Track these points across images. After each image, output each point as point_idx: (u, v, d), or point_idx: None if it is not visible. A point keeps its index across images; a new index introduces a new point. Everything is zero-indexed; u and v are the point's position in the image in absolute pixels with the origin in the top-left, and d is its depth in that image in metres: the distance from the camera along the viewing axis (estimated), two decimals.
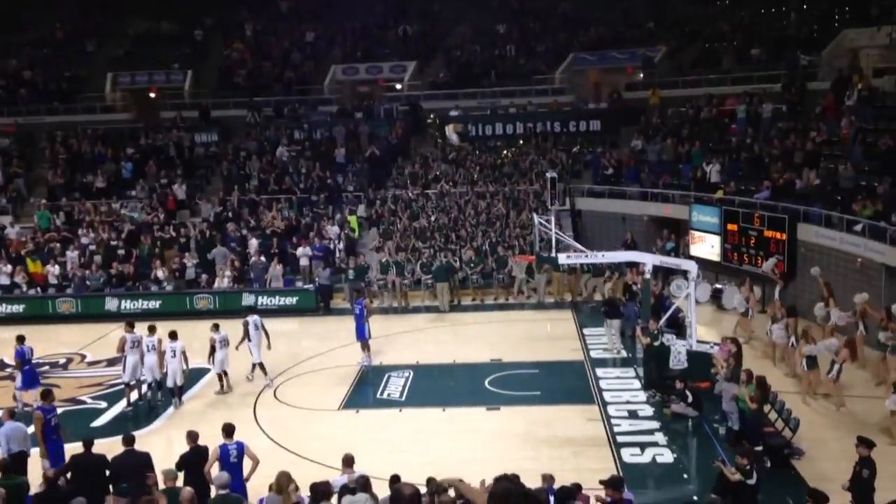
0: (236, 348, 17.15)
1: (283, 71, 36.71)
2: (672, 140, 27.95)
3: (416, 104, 34.06)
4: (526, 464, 11.64)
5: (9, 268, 24.75)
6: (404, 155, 31.65)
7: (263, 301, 23.44)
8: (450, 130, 32.08)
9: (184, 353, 15.95)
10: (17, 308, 23.75)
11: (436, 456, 12.67)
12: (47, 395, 12.44)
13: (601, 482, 9.06)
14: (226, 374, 16.98)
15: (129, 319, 17.40)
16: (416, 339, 20.77)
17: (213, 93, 35.44)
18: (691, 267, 16.50)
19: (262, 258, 24.64)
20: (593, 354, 18.42)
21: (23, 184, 30.50)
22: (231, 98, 34.76)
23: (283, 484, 8.60)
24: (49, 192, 29.82)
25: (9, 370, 18.57)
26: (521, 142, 31.50)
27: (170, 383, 16.06)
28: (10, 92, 35.61)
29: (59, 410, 12.83)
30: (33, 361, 16.42)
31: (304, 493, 8.83)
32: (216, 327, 16.89)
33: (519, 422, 14.47)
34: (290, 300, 23.66)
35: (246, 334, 17.30)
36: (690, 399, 14.26)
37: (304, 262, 25.02)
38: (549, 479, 9.40)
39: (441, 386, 17.00)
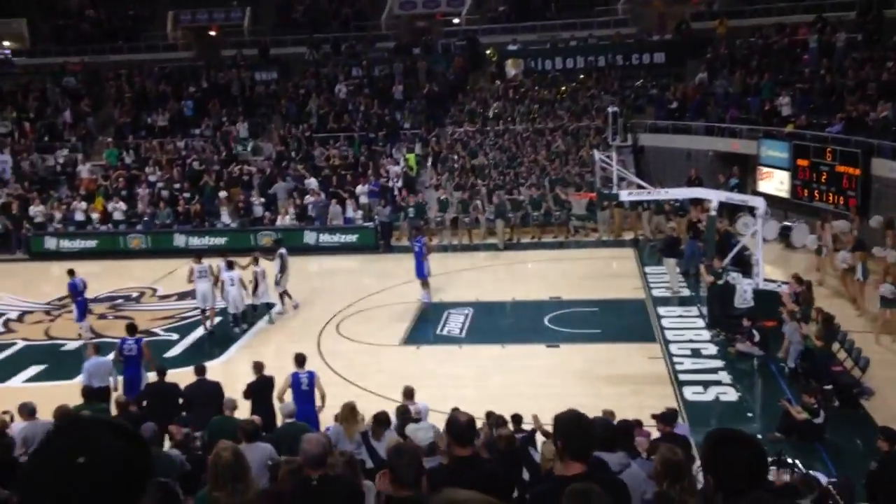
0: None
1: (340, 7, 36.39)
2: (740, 72, 26.96)
3: (475, 39, 33.48)
4: (585, 400, 11.61)
5: (83, 204, 25.50)
6: (462, 91, 31.29)
7: (324, 238, 23.76)
8: (509, 65, 31.53)
9: (241, 281, 16.55)
10: (91, 243, 24.54)
11: (495, 392, 12.81)
12: (131, 328, 12.96)
13: (653, 416, 9.06)
14: (286, 294, 17.71)
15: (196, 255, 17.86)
16: (475, 276, 20.84)
17: (271, 30, 35.38)
18: (759, 203, 16.08)
19: (322, 196, 24.87)
20: (655, 293, 18.24)
21: (92, 122, 31.16)
22: (290, 35, 34.66)
23: (347, 414, 8.82)
24: (116, 130, 30.46)
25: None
26: (582, 76, 30.80)
27: (231, 310, 16.63)
28: (75, 30, 36.10)
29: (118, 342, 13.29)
30: (109, 294, 17.09)
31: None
32: (256, 261, 17.25)
33: (578, 359, 14.51)
34: (351, 238, 23.91)
35: (284, 265, 17.54)
36: (756, 338, 14.06)
37: (363, 199, 25.18)
38: (608, 415, 9.42)
39: (500, 323, 17.11)
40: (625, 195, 17.54)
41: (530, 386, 13.14)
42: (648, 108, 28.40)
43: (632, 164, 25.31)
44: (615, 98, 27.98)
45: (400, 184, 25.78)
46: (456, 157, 27.03)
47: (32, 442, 8.62)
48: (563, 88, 30.15)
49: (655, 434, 8.99)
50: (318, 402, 10.79)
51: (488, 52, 32.43)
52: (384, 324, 17.17)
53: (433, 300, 18.35)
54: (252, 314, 17.39)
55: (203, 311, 17.01)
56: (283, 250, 17.86)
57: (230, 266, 16.63)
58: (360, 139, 28.27)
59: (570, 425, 3.64)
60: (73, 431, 1.43)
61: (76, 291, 16.61)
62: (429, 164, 27.26)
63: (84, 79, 33.17)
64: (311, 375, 10.80)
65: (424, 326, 17.13)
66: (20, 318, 18.58)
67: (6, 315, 18.77)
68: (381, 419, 8.63)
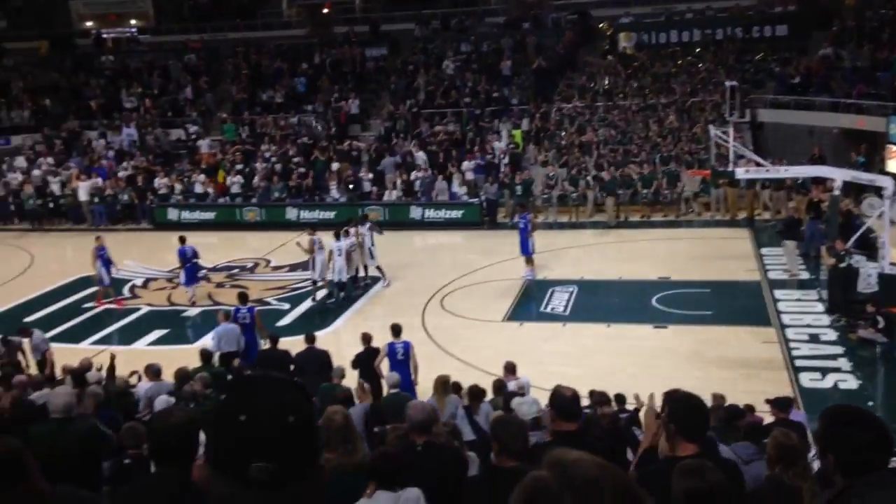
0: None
1: None
2: (869, 46, 25.36)
3: (586, 12, 32.82)
4: (694, 383, 11.31)
5: (202, 177, 26.60)
6: (572, 66, 30.74)
7: (429, 214, 23.95)
8: (621, 39, 30.75)
9: (349, 252, 16.95)
10: (209, 215, 25.60)
11: (599, 371, 12.61)
12: (243, 296, 13.51)
13: (767, 401, 8.71)
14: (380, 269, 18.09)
15: (311, 227, 18.35)
16: (581, 254, 20.57)
17: (382, 7, 35.75)
18: (887, 184, 15.10)
19: (429, 172, 25.04)
20: (771, 275, 17.49)
21: (210, 98, 32.38)
22: (400, 12, 34.92)
23: (438, 387, 8.91)
24: (233, 106, 31.55)
25: (203, 272, 20.25)
26: (698, 50, 29.71)
27: (336, 278, 17.05)
28: (197, 9, 37.52)
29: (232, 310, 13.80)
30: (226, 264, 17.82)
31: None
32: (346, 233, 17.53)
33: (688, 341, 14.12)
34: (456, 214, 24.01)
35: (361, 244, 17.80)
36: (881, 324, 13.29)
37: (469, 175, 25.20)
38: (719, 398, 9.14)
39: (606, 302, 16.83)
40: (741, 173, 16.86)
41: (636, 367, 12.89)
42: (768, 83, 27.14)
43: (749, 140, 24.29)
44: (736, 73, 26.86)
45: (506, 160, 25.66)
46: (564, 133, 26.65)
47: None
48: (679, 62, 29.18)
49: (769, 420, 8.65)
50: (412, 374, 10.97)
51: (601, 25, 31.68)
52: (488, 300, 17.18)
53: (537, 277, 18.23)
54: (353, 286, 17.78)
55: (315, 282, 17.48)
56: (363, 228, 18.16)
57: (338, 236, 17.07)
58: (467, 115, 28.26)
59: (684, 405, 3.53)
60: (278, 392, 1.47)
61: (185, 258, 17.52)
62: (536, 140, 26.99)
63: (204, 56, 34.42)
64: (407, 346, 11.01)
65: (528, 303, 17.05)
66: (145, 285, 19.60)
67: (132, 281, 19.82)
68: (475, 392, 8.67)
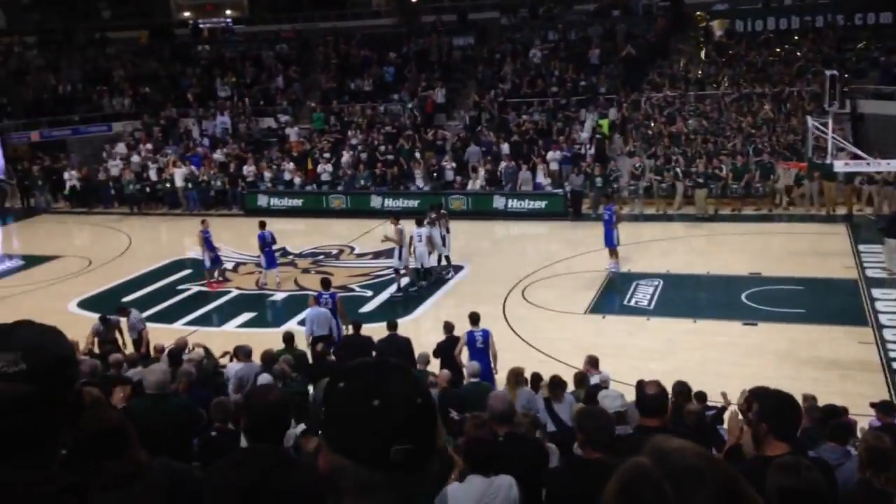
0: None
1: None
2: None
3: None
4: (785, 383, 10.87)
5: (290, 165, 27.21)
6: (663, 54, 30.04)
7: (513, 204, 23.86)
8: (715, 26, 29.85)
9: (429, 238, 17.16)
10: (297, 202, 26.17)
11: (684, 367, 12.31)
12: (326, 282, 13.79)
13: (871, 405, 8.36)
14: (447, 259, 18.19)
15: (396, 215, 18.53)
16: (667, 247, 20.15)
17: None
18: None
19: (513, 162, 24.93)
20: (870, 273, 16.74)
21: (300, 88, 33.04)
22: (487, 0, 34.79)
23: (510, 379, 8.90)
24: (322, 95, 32.11)
25: (290, 257, 20.78)
26: (797, 37, 28.57)
27: (417, 265, 17.27)
28: (289, 0, 38.27)
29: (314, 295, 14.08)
30: (312, 250, 18.20)
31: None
32: (428, 221, 17.66)
33: (778, 339, 13.66)
34: (540, 204, 23.85)
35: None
36: None
37: (554, 166, 24.98)
38: (810, 399, 8.81)
39: (693, 297, 16.45)
40: (840, 166, 16.17)
41: (723, 364, 12.55)
42: (871, 73, 25.89)
43: (850, 133, 23.25)
44: (836, 62, 25.73)
45: (592, 150, 25.32)
46: (652, 123, 26.10)
47: (247, 382, 9.39)
48: (776, 51, 28.15)
49: (865, 423, 8.31)
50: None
51: (697, 15, 30.77)
52: (570, 291, 17.02)
53: (621, 270, 17.95)
54: (434, 274, 17.95)
55: (397, 270, 17.69)
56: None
57: (419, 223, 17.21)
58: (553, 104, 27.99)
59: (776, 403, 3.42)
60: (402, 375, 1.49)
61: (264, 242, 18.03)
62: (623, 130, 26.53)
63: (295, 46, 35.11)
64: (486, 334, 11.04)
65: (611, 296, 16.81)
66: (235, 269, 20.19)
67: (223, 265, 20.45)
68: (556, 382, 8.63)
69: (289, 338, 11.35)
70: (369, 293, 17.71)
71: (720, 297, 16.13)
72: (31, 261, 21.94)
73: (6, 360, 1.50)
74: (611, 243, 17.84)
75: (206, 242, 18.28)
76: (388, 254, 19.04)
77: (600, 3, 33.59)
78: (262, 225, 18.31)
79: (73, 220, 27.11)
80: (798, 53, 27.51)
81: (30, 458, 1.54)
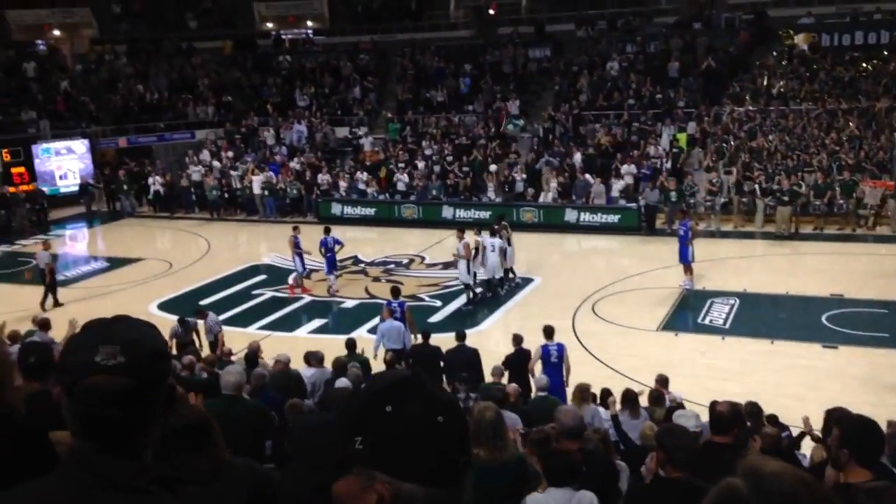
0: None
1: None
2: None
3: (763, 12, 31.22)
4: (866, 409, 10.48)
5: (364, 175, 27.59)
6: (744, 68, 29.39)
7: (585, 217, 23.64)
8: (800, 41, 29.06)
9: (503, 249, 17.22)
10: (370, 211, 26.49)
11: (760, 389, 11.95)
12: (395, 291, 13.93)
13: None
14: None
15: (461, 227, 18.59)
16: (744, 265, 19.65)
17: (548, 7, 35.60)
18: None
19: (586, 175, 24.72)
20: None
21: (375, 98, 33.50)
22: (566, 13, 34.67)
23: (576, 395, 8.80)
24: (398, 105, 32.48)
25: (361, 265, 21.05)
26: (886, 52, 27.56)
27: (487, 275, 17.32)
28: (368, 11, 38.85)
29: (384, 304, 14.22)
30: (383, 259, 18.39)
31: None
32: (492, 232, 17.72)
33: (860, 364, 13.15)
34: (613, 218, 23.56)
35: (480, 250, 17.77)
36: None
37: (628, 179, 24.67)
38: (895, 425, 8.44)
39: (770, 317, 15.97)
40: None
41: (801, 387, 12.15)
42: None
43: None
44: None
45: (668, 164, 24.90)
46: (732, 137, 25.53)
47: (318, 387, 9.56)
48: (864, 66, 27.22)
49: None
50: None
51: (781, 32, 29.92)
52: (642, 307, 16.75)
53: (696, 287, 17.58)
54: (504, 285, 17.96)
55: (466, 284, 17.71)
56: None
57: (492, 233, 17.22)
58: (629, 117, 27.68)
59: (858, 428, 3.30)
60: (438, 388, 1.46)
61: (326, 248, 18.46)
62: (701, 144, 26.03)
63: (373, 57, 35.64)
64: (561, 348, 10.94)
65: (684, 313, 16.48)
66: (308, 276, 20.52)
67: (296, 272, 20.82)
68: (629, 397, 8.50)
69: (351, 344, 11.50)
70: (438, 303, 17.78)
71: (799, 318, 15.63)
72: (115, 262, 22.79)
73: (106, 352, 1.56)
74: (685, 259, 17.50)
75: (297, 248, 18.71)
76: (457, 265, 19.10)
77: (681, 15, 33.10)
78: (327, 230, 18.86)
79: (156, 224, 28.06)
80: (888, 69, 26.53)
81: (125, 448, 1.60)
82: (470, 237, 17.33)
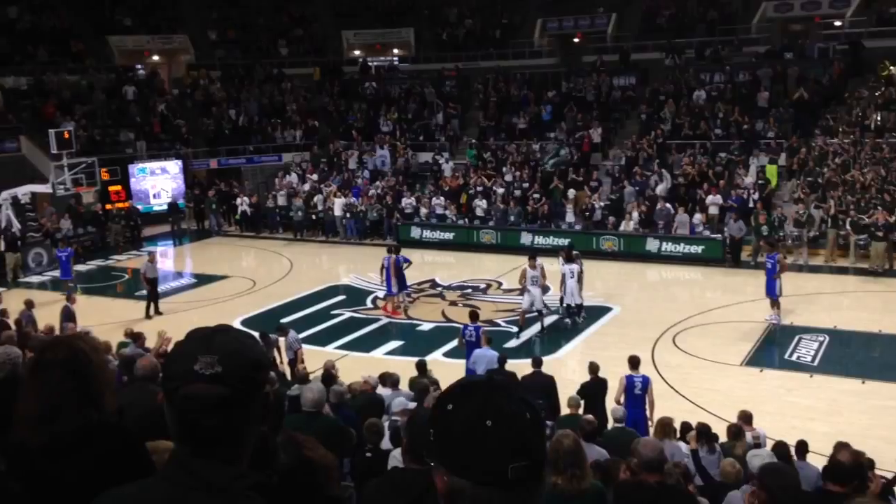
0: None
1: (707, 11, 35.22)
2: None
3: (858, 42, 30.23)
4: None
5: (443, 200, 27.82)
6: (837, 99, 28.48)
7: (667, 247, 23.22)
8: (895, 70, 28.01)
9: (579, 275, 17.12)
10: (448, 235, 26.64)
11: (849, 429, 11.44)
12: (473, 315, 13.99)
13: None
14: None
15: (533, 254, 18.48)
16: (835, 301, 18.93)
17: (634, 36, 35.34)
18: None
19: (669, 204, 24.30)
20: None
21: (457, 124, 33.81)
22: (652, 41, 34.35)
23: (657, 430, 8.60)
24: (479, 132, 32.70)
25: (439, 289, 21.17)
26: None
27: (568, 301, 17.25)
28: (453, 39, 39.30)
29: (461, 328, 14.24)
30: (460, 283, 18.45)
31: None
32: (569, 258, 17.66)
33: None
34: (696, 249, 23.05)
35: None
36: None
37: (713, 210, 24.12)
38: None
39: (862, 355, 15.33)
40: None
41: (893, 430, 11.59)
42: None
43: None
44: None
45: (755, 196, 24.25)
46: (825, 170, 24.70)
47: (391, 409, 9.61)
48: None
49: None
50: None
51: (881, 67, 28.70)
52: (725, 341, 16.29)
53: (783, 322, 17.00)
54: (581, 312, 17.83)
55: (539, 311, 17.58)
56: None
57: (569, 259, 17.22)
58: (715, 147, 27.13)
59: None
60: (504, 391, 1.53)
61: (397, 267, 18.86)
62: (790, 176, 25.28)
63: (457, 83, 36.02)
64: (646, 380, 10.74)
65: (770, 349, 15.96)
66: (385, 297, 20.75)
67: (375, 293, 21.11)
68: (704, 431, 8.26)
69: (422, 365, 11.55)
70: (514, 329, 17.69)
71: (893, 358, 14.93)
72: (202, 279, 23.55)
73: (204, 362, 1.62)
74: (772, 293, 16.98)
75: (396, 268, 19.03)
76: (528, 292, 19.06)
77: (772, 45, 32.38)
78: (397, 250, 19.22)
79: (242, 243, 28.88)
80: None
81: (222, 454, 1.66)
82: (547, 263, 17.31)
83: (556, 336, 17.17)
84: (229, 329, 1.74)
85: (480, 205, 27.15)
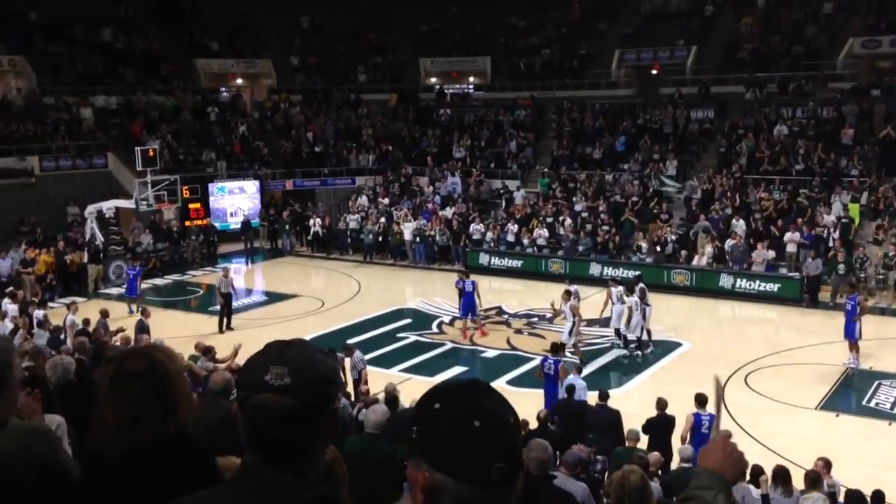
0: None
1: (791, 45, 34.47)
2: None
3: None
4: None
5: (514, 227, 27.77)
6: None
7: (741, 284, 22.62)
8: None
9: (643, 307, 17.07)
10: (517, 263, 26.53)
11: None
12: (556, 347, 13.97)
13: None
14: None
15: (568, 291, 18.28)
16: None
17: (714, 69, 34.81)
18: None
19: (745, 240, 23.71)
20: None
21: (531, 153, 33.80)
22: (732, 74, 33.76)
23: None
24: (552, 161, 32.61)
25: (505, 317, 21.08)
26: None
27: (634, 335, 17.16)
28: (529, 68, 39.42)
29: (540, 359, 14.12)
30: (527, 312, 18.37)
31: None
32: (631, 290, 17.61)
33: None
34: (772, 287, 22.39)
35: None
36: None
37: (790, 248, 23.43)
38: None
39: None
40: None
41: None
42: None
43: None
44: None
45: (836, 235, 23.46)
46: None
47: None
48: None
49: None
50: None
51: None
52: (800, 383, 15.73)
53: (862, 366, 16.32)
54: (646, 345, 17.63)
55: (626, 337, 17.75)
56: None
57: (630, 291, 17.29)
58: (795, 184, 26.40)
59: None
60: (492, 395, 1.58)
61: (464, 292, 19.27)
62: (874, 216, 24.38)
63: (531, 112, 36.08)
64: (713, 419, 10.39)
65: (848, 393, 15.36)
66: (451, 323, 20.79)
67: (440, 318, 21.16)
68: (781, 474, 7.97)
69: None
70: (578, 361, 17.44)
71: None
72: (272, 297, 24.02)
73: (275, 373, 1.66)
74: (851, 336, 16.35)
75: (466, 293, 19.39)
76: (604, 322, 18.84)
77: (858, 81, 31.46)
78: (466, 274, 19.40)
79: (313, 263, 29.37)
80: None
81: (290, 465, 1.70)
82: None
83: (624, 369, 16.87)
84: (303, 343, 1.78)
85: (542, 233, 26.98)
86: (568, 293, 17.50)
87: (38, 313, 16.72)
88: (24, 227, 27.81)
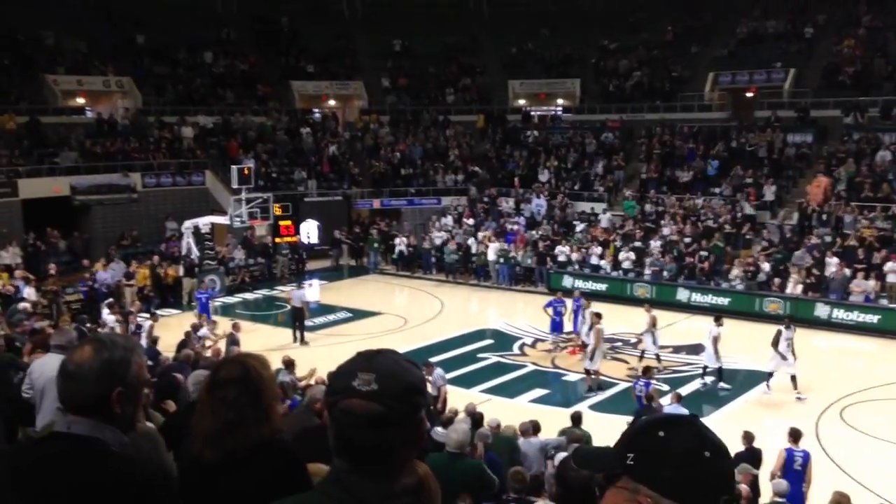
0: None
1: (895, 69, 33.06)
2: None
3: None
4: None
5: (599, 250, 27.44)
6: None
7: (838, 314, 21.72)
8: None
9: (716, 338, 16.60)
10: (601, 286, 26.14)
11: None
12: (647, 370, 14.29)
13: None
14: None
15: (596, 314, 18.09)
16: None
17: (813, 92, 33.68)
18: None
19: (844, 269, 22.74)
20: None
21: (621, 175, 33.38)
22: (832, 98, 32.58)
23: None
24: (640, 183, 32.12)
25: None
26: None
27: (718, 364, 16.94)
28: (619, 90, 39.01)
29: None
30: (610, 336, 18.21)
31: None
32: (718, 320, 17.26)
33: None
34: (871, 318, 21.41)
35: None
36: None
37: (891, 278, 22.36)
38: None
39: None
40: None
41: None
42: None
43: None
44: None
45: None
46: None
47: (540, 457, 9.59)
48: None
49: None
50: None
51: None
52: None
53: None
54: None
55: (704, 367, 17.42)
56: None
57: (718, 321, 17.10)
58: None
59: None
60: (689, 427, 1.61)
61: (555, 311, 19.95)
62: None
63: (620, 135, 35.67)
64: (806, 456, 10.03)
65: None
66: (533, 345, 20.65)
67: (522, 340, 21.03)
68: None
69: (577, 417, 11.34)
70: (666, 387, 17.01)
71: None
72: (356, 314, 24.36)
73: (363, 379, 1.71)
74: None
75: (577, 314, 19.99)
76: (689, 349, 18.41)
77: None
78: (558, 293, 20.06)
79: (397, 281, 29.68)
80: None
81: (375, 471, 1.73)
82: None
83: (710, 399, 16.39)
84: (392, 352, 1.82)
85: (628, 257, 26.54)
86: (598, 315, 17.20)
87: (146, 324, 17.57)
88: (124, 240, 29.16)
